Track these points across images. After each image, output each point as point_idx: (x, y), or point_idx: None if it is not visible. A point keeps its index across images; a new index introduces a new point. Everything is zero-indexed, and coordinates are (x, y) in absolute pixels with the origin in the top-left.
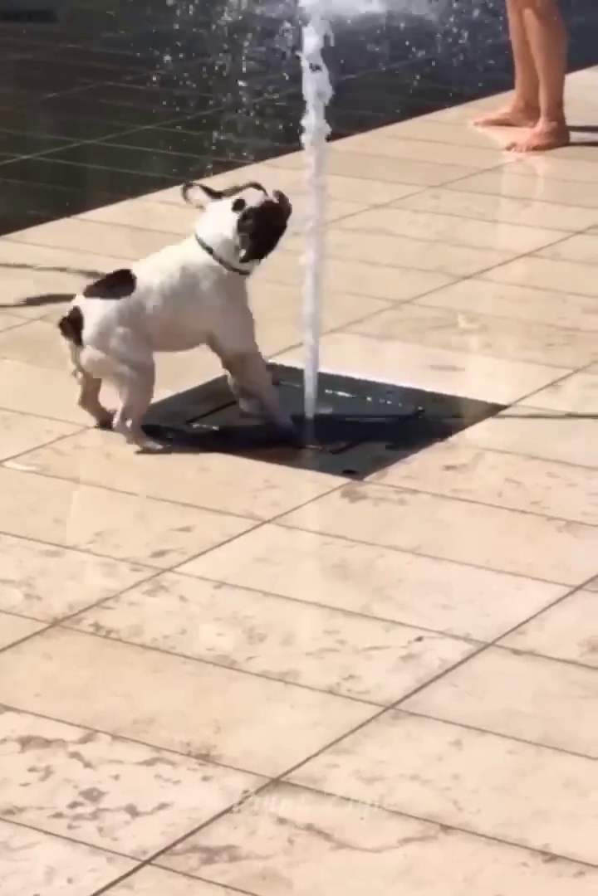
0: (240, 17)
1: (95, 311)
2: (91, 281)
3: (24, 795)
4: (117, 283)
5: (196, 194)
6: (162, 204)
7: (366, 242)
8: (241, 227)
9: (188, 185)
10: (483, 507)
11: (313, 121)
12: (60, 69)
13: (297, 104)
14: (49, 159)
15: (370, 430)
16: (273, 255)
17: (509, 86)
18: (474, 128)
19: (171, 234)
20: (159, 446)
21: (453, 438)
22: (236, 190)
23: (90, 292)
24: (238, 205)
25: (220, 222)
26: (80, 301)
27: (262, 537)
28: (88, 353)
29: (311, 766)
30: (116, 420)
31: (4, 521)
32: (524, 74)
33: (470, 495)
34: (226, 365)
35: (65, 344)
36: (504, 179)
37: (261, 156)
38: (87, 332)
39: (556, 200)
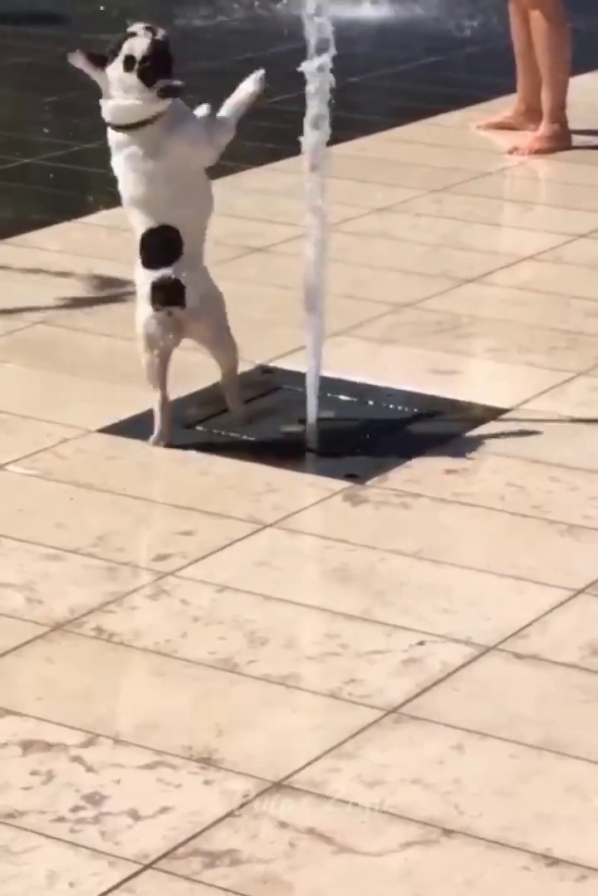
0: (241, 20)
1: (187, 273)
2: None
3: (25, 799)
4: (170, 244)
5: (80, 60)
6: None
7: (368, 246)
8: (143, 78)
9: (72, 51)
10: (485, 511)
11: (312, 124)
12: (61, 72)
13: (297, 108)
14: (51, 163)
15: (372, 434)
16: (275, 260)
17: (510, 89)
18: (476, 131)
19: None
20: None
21: (455, 442)
22: (114, 51)
23: (162, 261)
24: (128, 63)
25: (117, 86)
26: (166, 273)
27: (263, 541)
28: (198, 314)
29: (312, 769)
30: (226, 386)
31: (5, 525)
32: (526, 77)
33: (472, 499)
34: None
35: (166, 314)
36: (507, 183)
37: (261, 159)
38: (190, 291)
39: (558, 204)
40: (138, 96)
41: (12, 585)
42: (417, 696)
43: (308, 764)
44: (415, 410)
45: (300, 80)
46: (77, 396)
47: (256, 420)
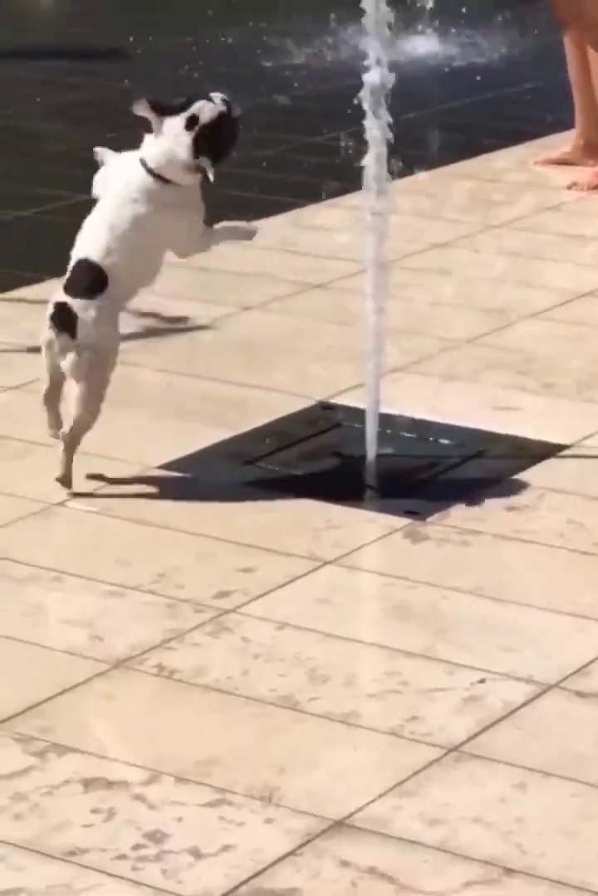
0: (301, 59)
1: (88, 309)
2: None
3: (87, 837)
4: (87, 277)
5: (143, 108)
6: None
7: (426, 282)
8: (197, 145)
9: (137, 98)
10: (545, 548)
11: (373, 160)
12: (119, 109)
13: (358, 144)
14: None
15: (431, 471)
16: (335, 296)
17: (569, 124)
18: (534, 167)
19: (231, 272)
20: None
21: (515, 479)
22: (184, 106)
23: (71, 290)
24: (191, 122)
25: (171, 144)
26: (61, 298)
27: (324, 578)
28: (83, 344)
29: (374, 808)
30: (70, 434)
31: (66, 562)
32: (584, 113)
33: (532, 536)
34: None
35: (55, 336)
36: (565, 218)
37: (320, 195)
38: (83, 326)
39: None
40: (182, 157)
41: (74, 622)
42: (478, 734)
43: (370, 802)
44: (475, 447)
45: (360, 115)
46: (136, 432)
47: (317, 457)
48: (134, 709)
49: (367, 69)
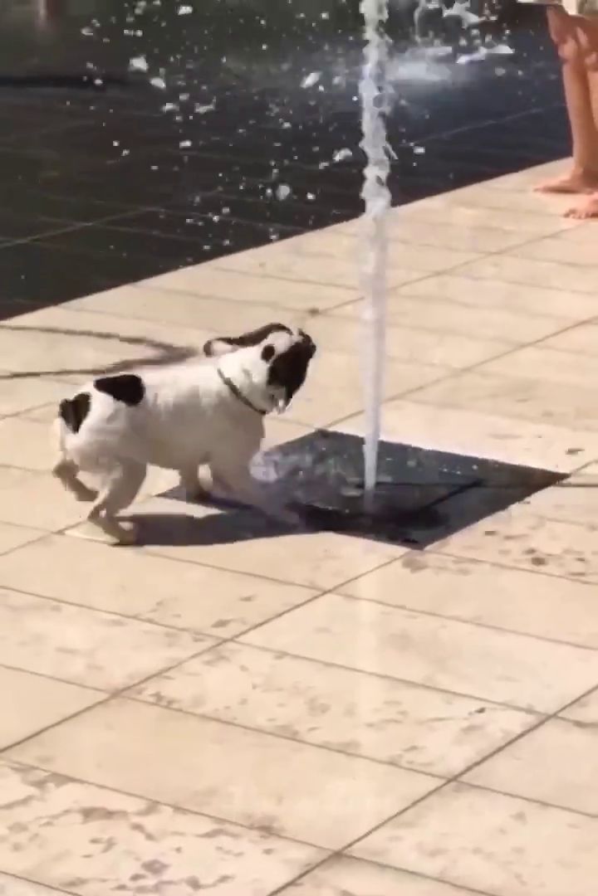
0: (304, 86)
1: (102, 403)
2: (102, 375)
3: (86, 867)
4: (127, 386)
5: (218, 347)
6: (221, 271)
7: (426, 309)
8: (273, 375)
9: (209, 343)
10: (545, 577)
11: (373, 187)
12: (119, 135)
13: (358, 171)
14: (109, 226)
15: (431, 499)
16: (334, 323)
17: (568, 152)
18: (533, 194)
19: (233, 300)
20: (132, 531)
21: (514, 507)
22: (259, 336)
23: (101, 385)
24: (267, 352)
25: (247, 366)
26: (89, 390)
27: (323, 607)
28: (81, 441)
29: (373, 838)
30: (90, 512)
31: (66, 590)
32: (583, 141)
33: (531, 565)
34: (213, 476)
35: (58, 424)
36: (564, 246)
37: (322, 222)
38: (89, 420)
39: None
40: (257, 381)
41: (73, 651)
42: (477, 764)
43: (369, 832)
44: (474, 475)
45: (359, 142)
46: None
47: (315, 485)
48: (133, 738)
49: (367, 97)
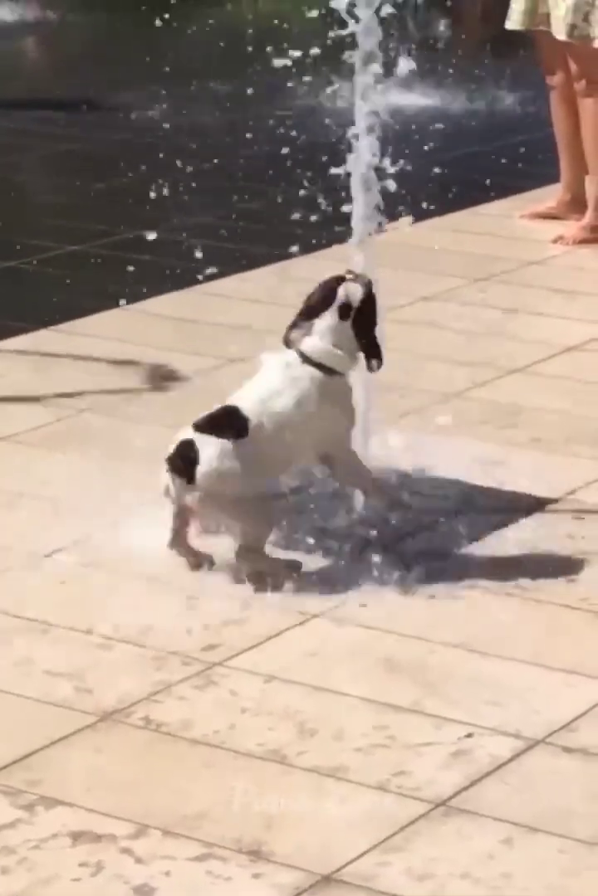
0: (289, 111)
1: (209, 446)
2: (200, 416)
3: (75, 891)
4: (227, 420)
5: (295, 335)
6: (210, 295)
7: (414, 335)
8: (358, 331)
9: (287, 336)
10: (533, 603)
11: (361, 212)
12: (109, 159)
13: (345, 196)
14: (100, 250)
15: (420, 524)
16: None
17: (555, 178)
18: (520, 220)
19: (220, 325)
20: (299, 563)
21: (502, 533)
22: (324, 298)
23: (201, 428)
24: (344, 311)
25: (328, 336)
26: (191, 436)
27: (312, 631)
28: (200, 491)
29: (362, 863)
30: (236, 559)
31: (55, 614)
32: (570, 167)
33: (520, 591)
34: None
35: (171, 480)
36: (551, 272)
37: (309, 247)
38: (202, 468)
39: None
40: (347, 347)
41: (62, 674)
42: (466, 788)
43: (358, 857)
44: (462, 500)
45: (347, 166)
46: (124, 484)
47: (304, 510)
48: (122, 762)
49: (354, 121)
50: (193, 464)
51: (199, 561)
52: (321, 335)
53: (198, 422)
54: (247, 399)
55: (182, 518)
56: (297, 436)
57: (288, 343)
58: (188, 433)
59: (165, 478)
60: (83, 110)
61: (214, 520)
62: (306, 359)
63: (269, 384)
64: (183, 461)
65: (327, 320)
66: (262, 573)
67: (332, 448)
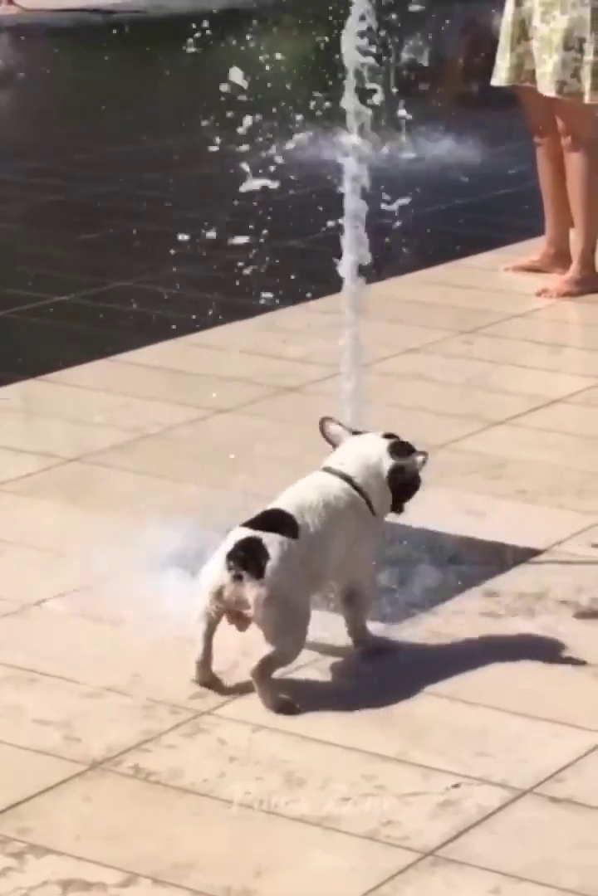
0: (277, 165)
1: (278, 544)
2: (249, 516)
3: None
4: (280, 521)
5: (333, 428)
6: (197, 346)
7: (399, 386)
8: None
9: (323, 422)
10: (519, 654)
11: (349, 265)
12: (93, 210)
13: (331, 248)
14: (84, 300)
15: (404, 576)
16: (309, 400)
17: (539, 231)
18: (504, 273)
19: (207, 376)
20: (297, 706)
21: (488, 584)
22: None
23: (258, 525)
24: (396, 449)
25: (367, 455)
26: (252, 534)
27: (299, 681)
28: (269, 588)
29: None
30: (259, 666)
31: (43, 662)
32: (554, 221)
33: (506, 642)
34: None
35: (230, 576)
36: (536, 325)
37: (296, 299)
38: (273, 563)
39: (588, 347)
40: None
41: (50, 723)
42: (453, 839)
43: None
44: (447, 552)
45: (333, 219)
46: (112, 534)
47: None
48: (111, 811)
49: (341, 174)
50: (262, 560)
51: (211, 680)
52: (356, 450)
53: (250, 521)
54: (290, 502)
55: (212, 627)
56: (334, 556)
57: (323, 430)
58: (246, 532)
59: (219, 576)
60: (68, 161)
61: (270, 624)
62: (355, 486)
63: (310, 493)
64: (250, 556)
65: (367, 439)
66: (284, 701)
67: (362, 578)
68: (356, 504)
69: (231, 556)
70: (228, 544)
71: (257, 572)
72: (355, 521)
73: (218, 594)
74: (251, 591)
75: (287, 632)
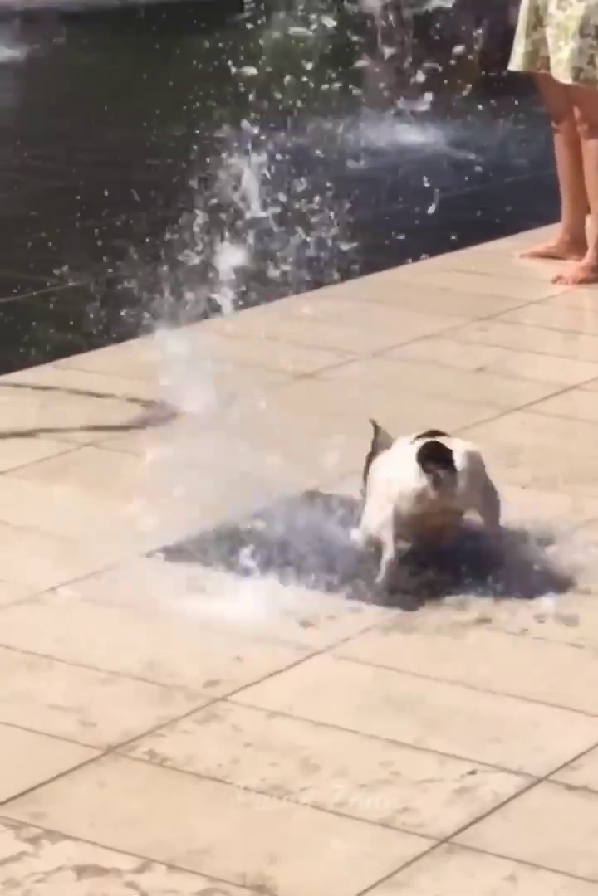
0: (285, 154)
1: (461, 445)
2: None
3: None
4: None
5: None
6: (211, 332)
7: (414, 373)
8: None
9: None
10: (535, 641)
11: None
12: (101, 196)
13: (346, 234)
14: (98, 286)
15: (421, 563)
16: (322, 386)
17: (555, 218)
18: (520, 260)
19: (223, 360)
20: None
21: (503, 571)
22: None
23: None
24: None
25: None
26: (437, 439)
27: (314, 667)
28: (470, 472)
29: None
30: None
31: (58, 648)
32: (571, 208)
33: (522, 628)
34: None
35: (429, 482)
36: (551, 312)
37: (309, 286)
38: (463, 452)
39: None
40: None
41: (65, 708)
42: (469, 825)
43: (361, 893)
44: (462, 539)
45: (348, 206)
46: (126, 519)
47: (305, 546)
48: (126, 796)
49: (355, 159)
50: (449, 458)
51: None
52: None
53: (426, 441)
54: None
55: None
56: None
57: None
58: (427, 440)
59: (417, 480)
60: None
61: (484, 505)
62: None
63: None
64: (441, 456)
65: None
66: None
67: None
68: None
69: (428, 464)
70: (411, 453)
71: (451, 468)
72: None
73: (419, 499)
74: (456, 485)
75: (491, 505)
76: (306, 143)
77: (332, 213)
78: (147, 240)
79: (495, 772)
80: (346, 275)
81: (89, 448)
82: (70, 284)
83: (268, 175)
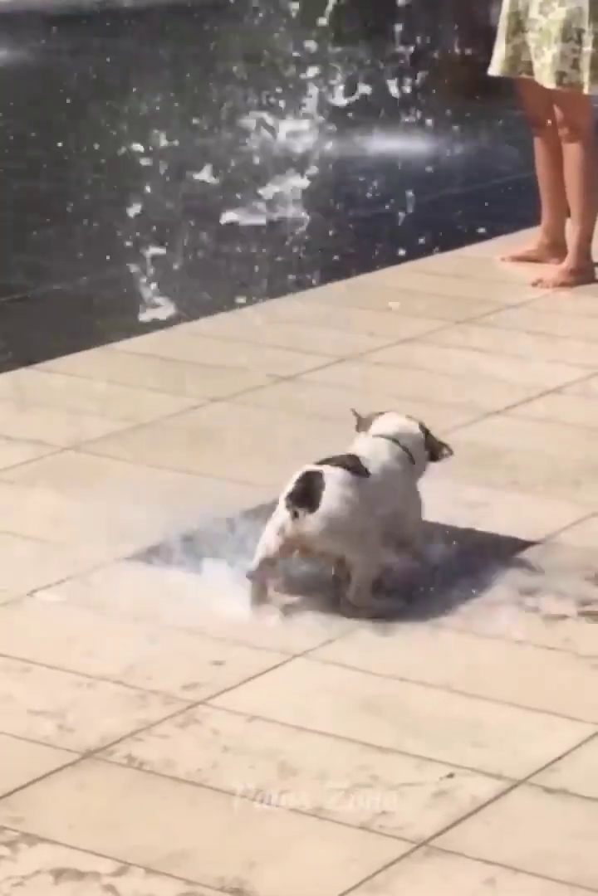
0: (276, 151)
1: (338, 477)
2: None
3: None
4: (350, 462)
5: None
6: (192, 335)
7: (393, 377)
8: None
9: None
10: (514, 644)
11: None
12: (88, 199)
13: (328, 237)
14: (78, 289)
15: (400, 567)
16: (303, 389)
17: (534, 221)
18: (500, 263)
19: (199, 364)
20: (399, 604)
21: (482, 574)
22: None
23: (324, 463)
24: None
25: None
26: (316, 469)
27: (293, 671)
28: (322, 518)
29: None
30: (351, 594)
31: (36, 652)
32: (551, 212)
33: (500, 632)
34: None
35: (290, 512)
36: (532, 315)
37: (290, 288)
38: (329, 495)
39: (584, 337)
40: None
41: (43, 713)
42: (447, 829)
43: None
44: (441, 542)
45: (330, 208)
46: (104, 523)
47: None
48: (104, 800)
49: (338, 162)
50: (317, 493)
51: (261, 600)
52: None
53: (320, 462)
54: (360, 450)
55: (277, 557)
56: (396, 502)
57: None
58: (312, 468)
59: (281, 515)
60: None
61: (331, 550)
62: (397, 443)
63: (376, 449)
64: (307, 490)
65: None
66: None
67: (415, 530)
68: (403, 458)
69: (290, 496)
70: (290, 483)
71: (311, 506)
72: (409, 477)
73: (280, 531)
74: (307, 526)
75: (354, 551)
76: (284, 146)
77: (311, 217)
78: (125, 243)
79: (473, 775)
80: (326, 278)
81: (68, 452)
82: (49, 288)
83: (246, 179)
